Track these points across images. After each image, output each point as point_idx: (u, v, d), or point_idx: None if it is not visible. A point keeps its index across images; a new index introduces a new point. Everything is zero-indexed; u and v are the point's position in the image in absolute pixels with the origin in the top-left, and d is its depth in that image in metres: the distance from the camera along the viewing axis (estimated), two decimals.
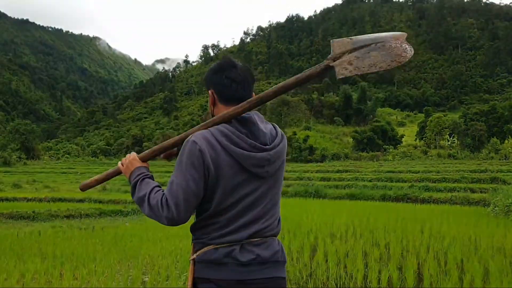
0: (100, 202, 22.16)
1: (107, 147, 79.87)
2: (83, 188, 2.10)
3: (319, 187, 26.61)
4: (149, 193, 1.74)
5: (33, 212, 17.17)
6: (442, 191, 25.40)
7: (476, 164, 40.53)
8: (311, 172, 37.08)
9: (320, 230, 10.51)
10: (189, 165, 1.67)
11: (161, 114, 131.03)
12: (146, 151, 1.91)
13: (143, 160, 1.90)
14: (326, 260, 6.91)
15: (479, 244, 8.65)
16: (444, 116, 68.22)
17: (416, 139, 70.97)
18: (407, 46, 1.63)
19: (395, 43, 1.62)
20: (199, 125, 1.76)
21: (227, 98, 1.81)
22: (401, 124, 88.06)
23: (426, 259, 7.13)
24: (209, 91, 1.85)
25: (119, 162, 1.94)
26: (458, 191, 24.63)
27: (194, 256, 1.77)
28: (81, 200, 22.70)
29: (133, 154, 1.92)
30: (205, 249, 1.73)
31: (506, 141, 60.46)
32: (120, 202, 22.00)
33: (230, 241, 1.70)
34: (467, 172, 32.96)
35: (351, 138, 65.73)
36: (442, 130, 63.28)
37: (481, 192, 24.30)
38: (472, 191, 24.82)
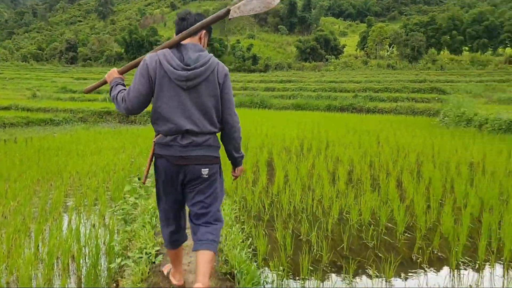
0: (28, 110, 19.64)
1: (38, 51, 72.60)
2: (86, 92, 3.03)
3: (265, 98, 25.69)
4: (118, 93, 2.56)
5: None
6: (385, 101, 25.47)
7: (414, 74, 41.26)
8: (255, 82, 35.90)
9: (273, 144, 9.59)
10: (139, 74, 2.46)
11: (97, 18, 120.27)
12: (123, 67, 2.71)
13: (120, 73, 2.71)
14: (288, 184, 6.03)
15: (450, 157, 8.15)
16: (386, 26, 67.97)
17: (357, 49, 70.95)
18: None
19: None
20: (157, 47, 2.54)
21: (177, 29, 2.59)
22: (343, 34, 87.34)
23: (401, 177, 6.45)
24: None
25: (106, 75, 2.76)
26: (401, 101, 24.78)
27: (155, 139, 2.53)
28: (6, 108, 20.00)
29: (114, 69, 2.73)
30: (160, 135, 2.50)
31: (441, 52, 62.05)
32: (50, 110, 19.53)
33: (172, 132, 2.44)
34: (407, 82, 33.34)
35: (295, 48, 64.33)
36: (383, 40, 63.37)
37: (422, 101, 24.61)
38: (415, 100, 25.06)
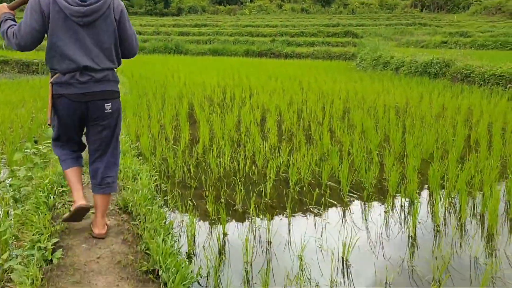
0: None
1: None
2: None
3: (179, 42, 24.10)
4: (7, 28, 2.44)
5: None
6: (302, 46, 25.24)
7: (327, 18, 41.54)
8: (168, 27, 33.65)
9: (193, 94, 8.75)
10: (30, 9, 2.36)
11: None
12: (13, 2, 2.61)
13: (11, 8, 2.59)
14: (214, 140, 5.35)
15: (375, 102, 7.95)
16: None
17: None
18: None
19: None
20: None
21: None
22: None
23: (333, 127, 6.07)
24: None
25: None
26: (317, 45, 24.68)
27: (51, 80, 2.48)
28: None
29: (4, 4, 2.60)
30: (57, 75, 2.44)
31: None
32: None
33: (70, 69, 2.40)
34: (322, 26, 33.41)
35: None
36: None
37: (337, 45, 24.75)
38: (330, 45, 25.11)
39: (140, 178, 3.50)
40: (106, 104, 2.47)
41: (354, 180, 4.04)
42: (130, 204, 3.04)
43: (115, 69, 2.55)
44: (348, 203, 3.64)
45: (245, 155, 4.71)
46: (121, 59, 2.61)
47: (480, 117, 6.56)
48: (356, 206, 3.60)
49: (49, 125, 2.59)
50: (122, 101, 2.94)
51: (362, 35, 29.25)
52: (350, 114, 6.84)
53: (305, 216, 3.40)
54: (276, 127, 5.86)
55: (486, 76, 9.35)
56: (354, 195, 3.81)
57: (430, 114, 6.74)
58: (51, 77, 2.47)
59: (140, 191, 3.12)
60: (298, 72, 13.26)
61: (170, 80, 11.00)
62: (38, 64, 18.14)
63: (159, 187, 3.90)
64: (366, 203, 3.61)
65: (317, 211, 3.48)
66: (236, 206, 3.51)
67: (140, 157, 4.58)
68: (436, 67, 10.75)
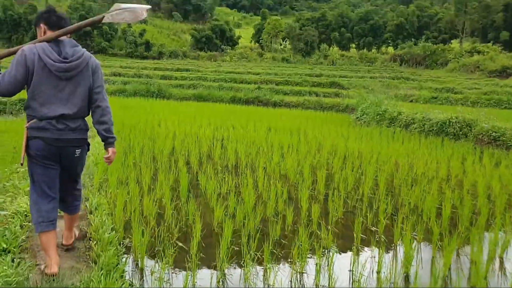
0: None
1: None
2: None
3: (163, 86, 22.84)
4: None
5: None
6: (289, 94, 24.45)
7: (308, 68, 41.58)
8: (150, 69, 32.56)
9: (188, 151, 7.32)
10: (16, 63, 2.64)
11: None
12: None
13: None
14: (238, 235, 3.88)
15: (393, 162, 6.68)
16: (281, 19, 68.50)
17: (251, 41, 70.52)
18: (144, 13, 2.84)
19: (140, 11, 2.83)
20: (32, 41, 2.74)
21: (52, 25, 2.81)
22: (238, 25, 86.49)
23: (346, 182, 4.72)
24: (41, 25, 2.84)
25: None
26: (304, 95, 23.93)
27: (28, 124, 2.73)
28: None
29: None
30: (34, 120, 2.71)
31: (331, 48, 64.41)
32: None
33: (48, 117, 2.68)
34: (305, 75, 33.08)
35: (190, 36, 61.45)
36: (278, 33, 63.70)
37: (324, 96, 24.07)
38: (316, 95, 24.40)
39: None
40: (76, 150, 2.83)
41: None
42: None
43: (85, 118, 2.88)
44: None
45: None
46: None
47: None
48: None
49: (21, 164, 2.79)
50: (104, 163, 3.47)
51: (348, 86, 28.91)
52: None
53: None
54: (323, 214, 4.43)
55: None
56: None
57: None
58: (28, 122, 2.73)
59: None
60: (296, 124, 12.07)
61: (157, 130, 9.57)
62: (6, 103, 16.48)
63: None
64: None
65: None
66: None
67: (133, 275, 3.06)
68: (456, 126, 9.74)
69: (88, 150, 3.00)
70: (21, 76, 2.61)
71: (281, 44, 65.12)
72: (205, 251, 3.37)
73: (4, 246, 2.63)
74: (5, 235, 2.79)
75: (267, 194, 4.75)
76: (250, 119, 12.87)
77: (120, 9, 2.79)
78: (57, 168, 2.79)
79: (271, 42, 64.47)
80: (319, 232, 3.76)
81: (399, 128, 11.56)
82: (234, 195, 4.57)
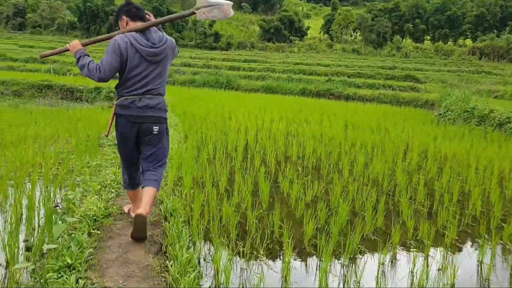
0: None
1: None
2: (42, 56, 3.38)
3: (231, 77, 22.62)
4: (88, 63, 2.98)
5: None
6: (361, 87, 23.21)
7: (380, 60, 39.64)
8: (218, 60, 32.64)
9: (263, 149, 6.80)
10: (110, 51, 2.93)
11: None
12: (86, 40, 3.21)
13: (83, 45, 3.12)
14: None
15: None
16: (352, 10, 66.14)
17: (321, 32, 68.79)
18: (231, 10, 3.01)
19: (226, 7, 2.99)
20: (120, 31, 3.02)
21: (133, 16, 3.08)
22: (307, 16, 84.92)
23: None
24: (123, 17, 3.12)
25: (68, 44, 3.15)
26: (377, 88, 22.59)
27: (116, 101, 3.06)
28: None
29: (77, 41, 3.15)
30: (122, 98, 3.02)
31: (404, 40, 61.15)
32: None
33: (133, 95, 2.99)
34: (377, 68, 31.44)
35: (258, 27, 61.18)
36: (349, 24, 61.61)
37: (400, 90, 22.57)
38: (392, 88, 22.94)
39: None
40: (154, 127, 3.07)
41: None
42: None
43: (164, 98, 3.18)
44: None
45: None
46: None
47: None
48: None
49: (106, 135, 3.31)
50: (178, 158, 3.82)
51: (424, 80, 27.06)
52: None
53: None
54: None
55: None
56: None
57: None
58: (117, 99, 3.08)
59: None
60: (373, 120, 11.15)
61: (228, 123, 9.16)
62: (82, 91, 16.95)
63: None
64: None
65: None
66: None
67: None
68: None
69: (167, 133, 3.18)
70: (116, 63, 2.90)
71: (351, 35, 63.02)
72: (298, 275, 2.80)
73: (69, 261, 2.22)
74: (70, 247, 2.39)
75: (360, 204, 4.09)
76: (324, 113, 12.13)
77: (209, 6, 2.94)
78: (135, 148, 3.09)
79: (341, 33, 62.54)
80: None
81: (491, 128, 10.28)
82: (323, 204, 3.96)
